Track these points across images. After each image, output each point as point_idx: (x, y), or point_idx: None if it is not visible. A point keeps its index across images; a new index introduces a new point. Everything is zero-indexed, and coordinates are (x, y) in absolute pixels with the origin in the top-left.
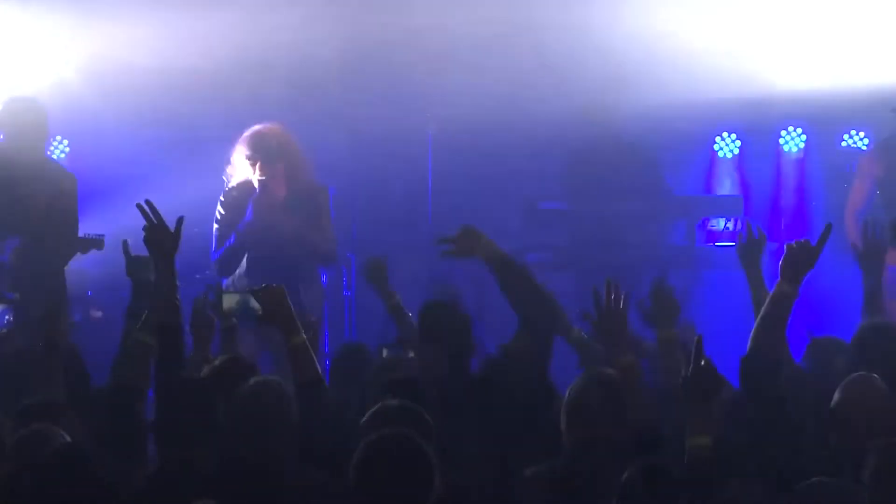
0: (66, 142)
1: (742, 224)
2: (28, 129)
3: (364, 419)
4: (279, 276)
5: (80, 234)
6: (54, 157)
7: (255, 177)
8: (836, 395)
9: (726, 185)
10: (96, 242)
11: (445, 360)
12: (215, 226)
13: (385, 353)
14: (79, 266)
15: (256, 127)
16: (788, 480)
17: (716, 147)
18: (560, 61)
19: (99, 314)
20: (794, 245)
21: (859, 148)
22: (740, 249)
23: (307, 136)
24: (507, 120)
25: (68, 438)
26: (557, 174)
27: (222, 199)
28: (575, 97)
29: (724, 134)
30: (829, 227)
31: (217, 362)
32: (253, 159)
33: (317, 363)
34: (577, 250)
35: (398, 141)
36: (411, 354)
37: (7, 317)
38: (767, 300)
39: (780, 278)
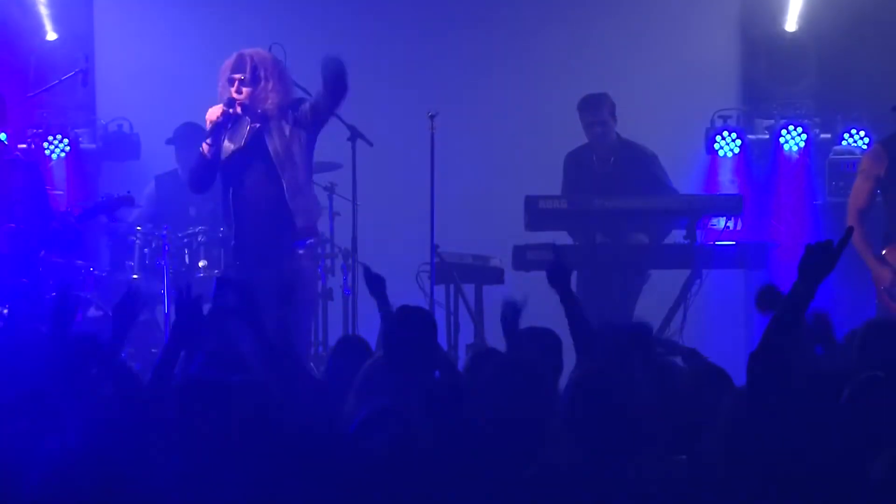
0: (66, 140)
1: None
2: None
3: (356, 424)
4: (264, 182)
5: (105, 195)
6: (53, 157)
7: (239, 97)
8: (845, 394)
9: (727, 185)
10: (126, 200)
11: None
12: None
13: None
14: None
15: (242, 50)
16: (795, 477)
17: (716, 146)
18: (563, 56)
19: (99, 313)
20: (815, 247)
21: (860, 147)
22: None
23: None
24: (509, 115)
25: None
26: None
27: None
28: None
29: (725, 133)
30: (850, 231)
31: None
32: (231, 81)
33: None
34: (579, 249)
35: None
36: None
37: (3, 309)
38: (784, 300)
39: (797, 278)
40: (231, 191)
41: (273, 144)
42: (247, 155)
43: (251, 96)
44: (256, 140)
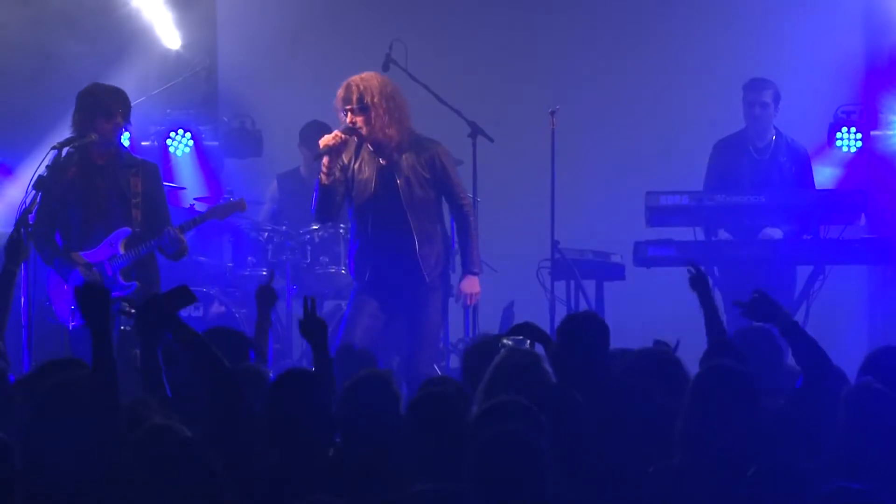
0: (188, 134)
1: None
2: (106, 116)
3: (478, 413)
4: (394, 235)
5: (219, 200)
6: (178, 153)
7: (349, 126)
8: None
9: (845, 180)
10: (237, 205)
11: (580, 364)
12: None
13: (507, 343)
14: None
15: (350, 78)
16: None
17: (837, 141)
18: (684, 51)
19: (222, 309)
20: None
21: None
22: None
23: (428, 117)
24: (630, 111)
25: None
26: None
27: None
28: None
29: (846, 128)
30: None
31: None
32: (343, 110)
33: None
34: (701, 246)
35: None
36: (527, 344)
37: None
38: None
39: None
40: (361, 228)
41: (402, 186)
42: (377, 193)
43: (367, 125)
44: (386, 178)
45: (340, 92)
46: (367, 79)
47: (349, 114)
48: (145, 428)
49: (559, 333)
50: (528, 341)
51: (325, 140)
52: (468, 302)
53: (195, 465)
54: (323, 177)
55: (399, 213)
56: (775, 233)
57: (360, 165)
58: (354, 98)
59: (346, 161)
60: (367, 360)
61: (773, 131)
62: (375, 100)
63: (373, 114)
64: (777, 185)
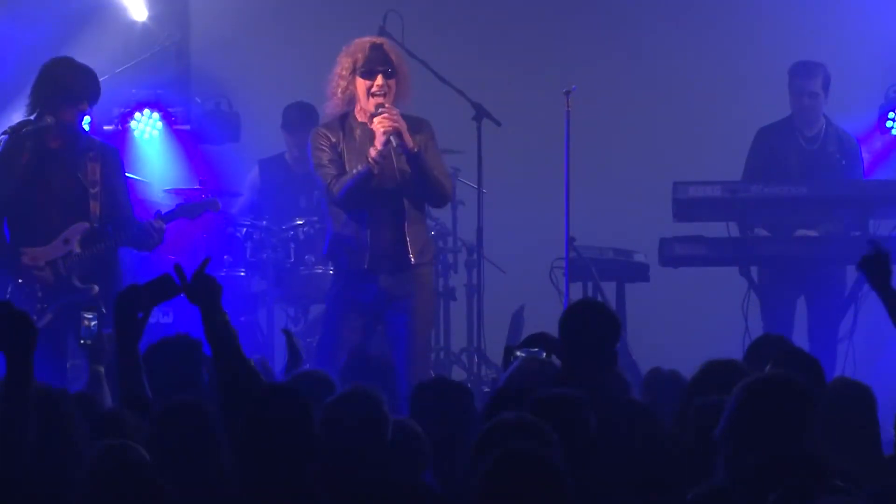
0: (156, 115)
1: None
2: (64, 98)
3: (482, 432)
4: (390, 213)
5: (190, 199)
6: (145, 137)
7: (374, 94)
8: None
9: None
10: (209, 204)
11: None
12: (323, 154)
13: (518, 355)
14: None
15: (370, 38)
16: None
17: (888, 124)
18: (717, 27)
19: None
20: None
21: None
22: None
23: (427, 97)
24: (655, 91)
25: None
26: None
27: (325, 127)
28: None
29: None
30: None
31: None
32: (371, 73)
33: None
34: (734, 243)
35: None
36: (544, 356)
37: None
38: None
39: None
40: (360, 211)
41: (400, 162)
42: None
43: (394, 92)
44: (385, 153)
45: (366, 53)
46: (387, 41)
47: (380, 76)
48: (99, 448)
49: (560, 329)
50: (544, 353)
51: (387, 124)
52: (388, 121)
53: (147, 489)
54: (374, 163)
55: (394, 188)
56: (809, 233)
57: (350, 142)
58: (393, 61)
59: (333, 140)
60: (382, 371)
61: (823, 119)
62: (403, 67)
63: (398, 81)
64: (827, 176)
